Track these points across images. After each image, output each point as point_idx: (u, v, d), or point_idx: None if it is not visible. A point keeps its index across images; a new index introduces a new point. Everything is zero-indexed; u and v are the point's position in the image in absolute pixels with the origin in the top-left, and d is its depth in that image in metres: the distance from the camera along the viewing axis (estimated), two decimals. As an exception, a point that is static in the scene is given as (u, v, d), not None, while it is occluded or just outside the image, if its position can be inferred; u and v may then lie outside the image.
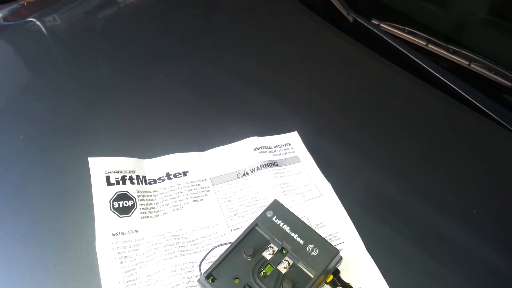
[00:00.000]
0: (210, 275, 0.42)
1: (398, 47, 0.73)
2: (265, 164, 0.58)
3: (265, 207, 0.47)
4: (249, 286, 0.42)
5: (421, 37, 0.75)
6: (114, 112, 0.65)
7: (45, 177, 0.55)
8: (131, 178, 0.54)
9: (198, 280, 0.43)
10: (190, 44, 0.79)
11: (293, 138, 0.62)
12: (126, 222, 0.50)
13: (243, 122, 0.64)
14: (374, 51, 0.76)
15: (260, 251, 0.44)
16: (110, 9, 0.89)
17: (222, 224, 0.52)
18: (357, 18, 0.79)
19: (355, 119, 0.67)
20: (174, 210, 0.52)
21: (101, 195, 0.51)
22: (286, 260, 0.44)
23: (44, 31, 0.81)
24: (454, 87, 0.67)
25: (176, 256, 0.48)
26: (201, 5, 0.91)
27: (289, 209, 0.47)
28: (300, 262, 0.43)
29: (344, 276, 0.45)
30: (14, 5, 0.86)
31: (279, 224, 0.45)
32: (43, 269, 0.46)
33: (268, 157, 0.59)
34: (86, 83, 0.70)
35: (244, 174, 0.57)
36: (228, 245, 0.45)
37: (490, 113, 0.64)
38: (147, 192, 0.54)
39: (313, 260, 0.43)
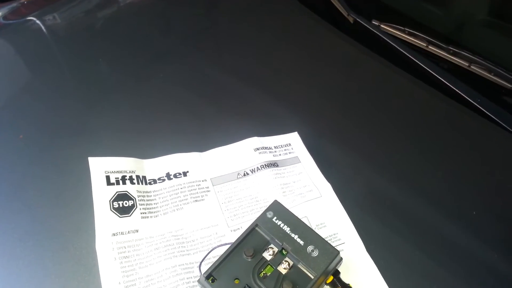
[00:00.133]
0: (210, 276, 0.42)
1: (398, 48, 0.73)
2: (265, 165, 0.58)
3: (265, 208, 0.47)
4: (249, 287, 0.42)
5: (421, 38, 0.75)
6: (114, 112, 0.65)
7: (45, 176, 0.55)
8: (131, 178, 0.54)
9: (198, 281, 0.43)
10: (190, 43, 0.79)
11: (293, 139, 0.62)
12: (126, 222, 0.50)
13: (243, 122, 0.64)
14: (374, 52, 0.76)
15: (260, 252, 0.44)
16: (110, 8, 0.88)
17: (222, 224, 0.52)
18: (358, 19, 0.79)
19: (355, 120, 0.67)
20: (174, 210, 0.52)
21: (101, 195, 0.51)
22: (286, 261, 0.44)
23: (44, 30, 0.81)
24: (454, 88, 0.67)
25: (176, 256, 0.48)
26: (201, 5, 0.91)
27: (289, 209, 0.47)
28: (300, 263, 0.43)
29: (344, 277, 0.44)
30: (14, 4, 0.86)
31: (279, 224, 0.45)
32: (42, 268, 0.46)
33: (268, 157, 0.59)
34: (86, 82, 0.70)
35: (244, 175, 0.57)
36: (228, 245, 0.45)
37: (490, 115, 0.64)
38: (147, 192, 0.54)
39: (313, 261, 0.43)
